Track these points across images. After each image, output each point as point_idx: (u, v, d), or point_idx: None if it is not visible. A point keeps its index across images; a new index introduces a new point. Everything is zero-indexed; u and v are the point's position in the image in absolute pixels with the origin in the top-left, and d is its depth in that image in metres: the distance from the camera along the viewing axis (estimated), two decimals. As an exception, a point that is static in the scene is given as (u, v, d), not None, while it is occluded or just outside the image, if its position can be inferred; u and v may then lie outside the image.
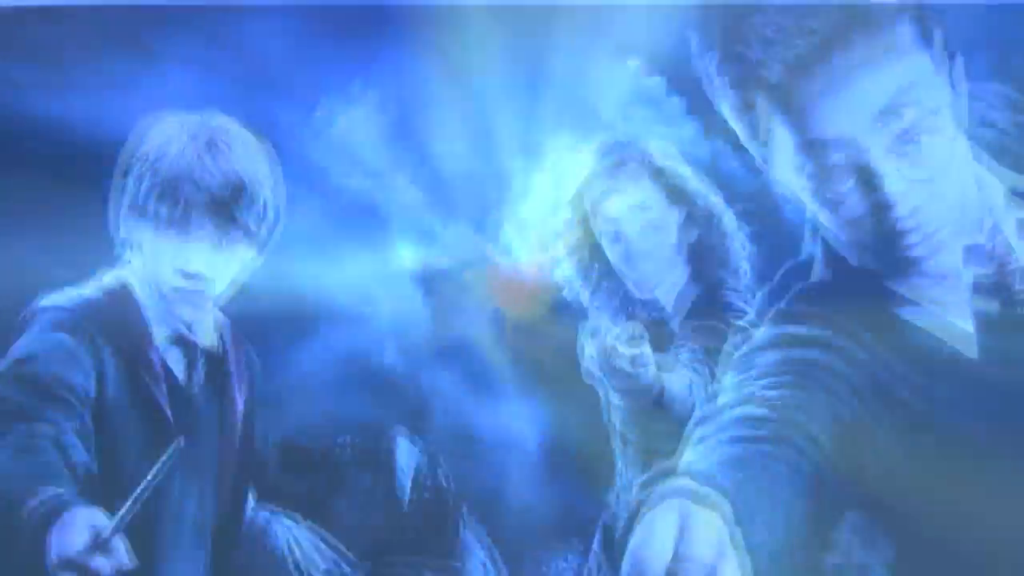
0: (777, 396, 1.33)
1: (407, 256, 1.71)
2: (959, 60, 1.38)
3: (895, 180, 1.34)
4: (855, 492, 1.32)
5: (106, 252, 1.65)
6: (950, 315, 1.39)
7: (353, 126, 1.71)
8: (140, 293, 1.64)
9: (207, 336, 1.67)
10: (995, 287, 1.39)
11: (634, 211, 1.75)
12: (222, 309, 1.68)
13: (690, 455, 1.29)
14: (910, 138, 1.34)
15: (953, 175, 1.38)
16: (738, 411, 1.33)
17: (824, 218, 1.40)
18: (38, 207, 1.67)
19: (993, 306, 1.39)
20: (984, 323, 1.38)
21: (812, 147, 1.36)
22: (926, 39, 1.36)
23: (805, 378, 1.35)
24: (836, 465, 1.29)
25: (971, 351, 1.38)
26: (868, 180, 1.34)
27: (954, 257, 1.38)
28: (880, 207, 1.35)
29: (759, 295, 1.52)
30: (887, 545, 1.37)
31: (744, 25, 1.34)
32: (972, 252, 1.39)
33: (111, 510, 1.38)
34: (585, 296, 1.78)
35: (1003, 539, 1.35)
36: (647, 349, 1.56)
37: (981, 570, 1.36)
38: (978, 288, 1.39)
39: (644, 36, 1.64)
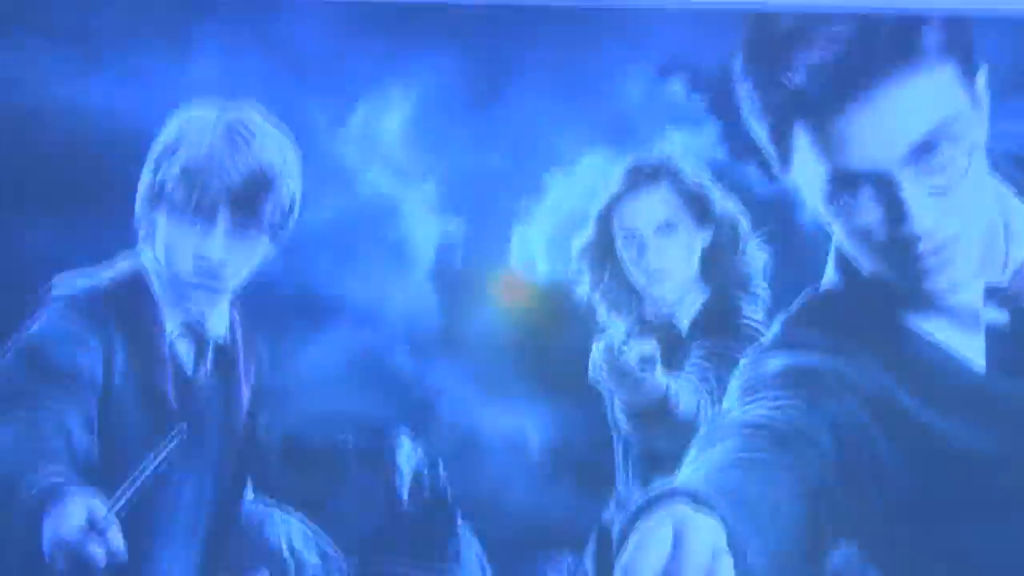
0: (782, 403, 1.33)
1: (424, 257, 1.71)
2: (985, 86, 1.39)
3: (923, 214, 1.34)
4: (858, 508, 1.32)
5: (129, 239, 1.64)
6: (960, 327, 1.40)
7: (382, 124, 1.71)
8: (154, 281, 1.63)
9: (218, 326, 1.66)
10: (1006, 299, 1.39)
11: (660, 230, 1.74)
12: (234, 299, 1.67)
13: (692, 460, 1.29)
14: (943, 174, 1.35)
15: (982, 212, 1.39)
16: (742, 417, 1.33)
17: (847, 241, 1.40)
18: (62, 193, 1.66)
19: (1003, 318, 1.40)
20: (994, 336, 1.39)
21: (844, 177, 1.36)
22: (967, 77, 1.37)
23: (811, 386, 1.35)
24: (840, 476, 1.29)
25: (980, 363, 1.39)
26: (896, 213, 1.35)
27: (972, 287, 1.39)
28: (906, 238, 1.35)
29: (776, 322, 1.52)
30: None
31: (787, 53, 1.34)
32: (993, 293, 1.40)
33: (112, 495, 1.37)
34: (602, 311, 1.77)
35: (1007, 551, 1.36)
36: (656, 354, 1.56)
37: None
38: (989, 300, 1.39)
39: (687, 56, 1.64)
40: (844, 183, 1.36)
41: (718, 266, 1.76)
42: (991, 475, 1.36)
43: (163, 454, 1.37)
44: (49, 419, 1.48)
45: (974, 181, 1.37)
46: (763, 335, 1.51)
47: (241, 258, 1.63)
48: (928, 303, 1.40)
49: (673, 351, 1.72)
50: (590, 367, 1.59)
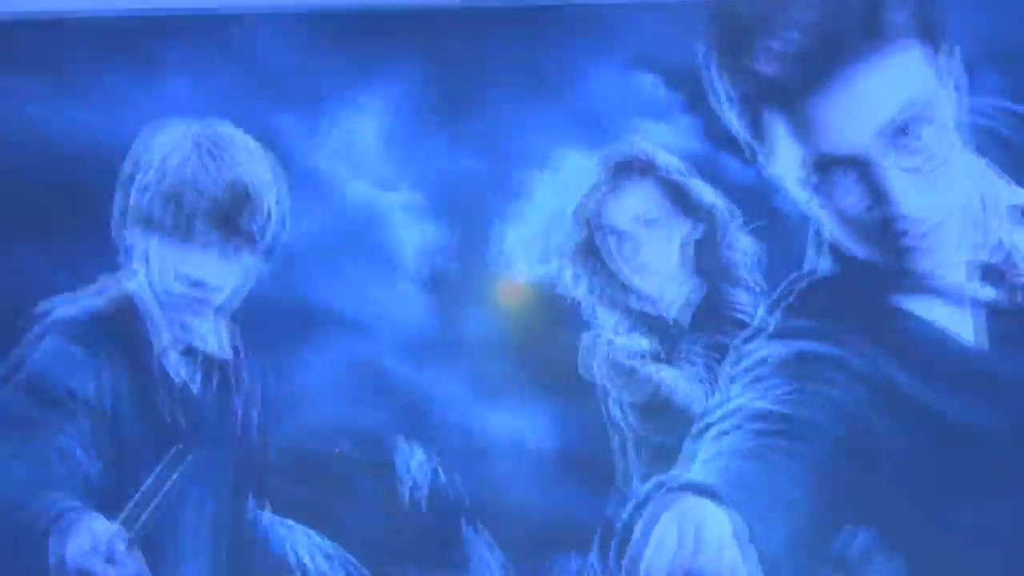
0: (783, 390, 1.33)
1: (411, 263, 1.71)
2: (957, 60, 1.39)
3: (902, 191, 1.34)
4: (863, 491, 1.32)
5: (108, 260, 1.64)
6: (949, 304, 1.40)
7: (358, 133, 1.70)
8: (144, 302, 1.63)
9: (212, 343, 1.67)
10: (991, 274, 1.39)
11: (640, 223, 1.74)
12: (226, 314, 1.67)
13: (695, 451, 1.29)
14: (918, 153, 1.34)
15: (961, 188, 1.38)
16: (743, 405, 1.33)
17: (830, 226, 1.40)
18: (40, 217, 1.66)
19: (993, 297, 1.39)
20: (982, 311, 1.38)
21: (818, 161, 1.36)
22: (935, 55, 1.36)
23: (810, 371, 1.35)
24: (842, 460, 1.29)
25: (970, 339, 1.39)
26: (875, 193, 1.34)
27: (957, 266, 1.38)
28: (887, 218, 1.35)
29: (761, 307, 1.52)
30: (896, 556, 1.37)
31: (754, 39, 1.34)
32: (976, 267, 1.39)
33: (116, 517, 1.38)
34: (590, 307, 1.77)
35: (1008, 535, 1.35)
36: (646, 347, 1.56)
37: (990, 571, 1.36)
38: (975, 276, 1.39)
39: (656, 49, 1.64)
40: (821, 167, 1.36)
41: (703, 256, 1.76)
42: (992, 449, 1.36)
43: (163, 476, 1.37)
44: (51, 445, 1.49)
45: (950, 157, 1.37)
46: (752, 322, 1.51)
47: (225, 272, 1.63)
48: (915, 282, 1.40)
49: (664, 343, 1.72)
50: (580, 361, 1.59)
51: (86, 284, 1.63)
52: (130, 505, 1.37)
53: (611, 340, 1.55)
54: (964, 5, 1.50)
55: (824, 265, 1.45)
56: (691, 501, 1.09)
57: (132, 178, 1.62)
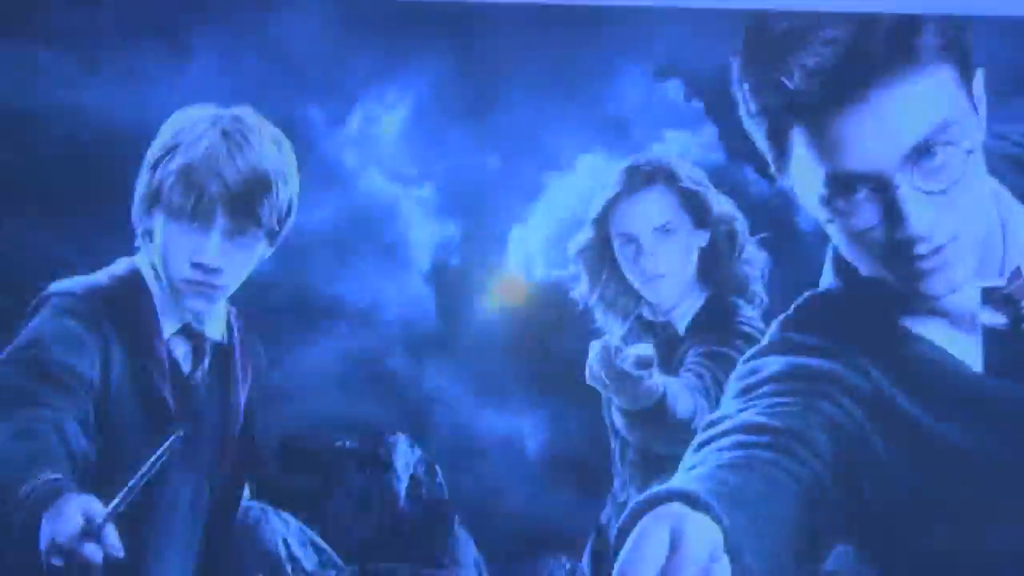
0: (779, 403, 1.33)
1: (421, 259, 1.71)
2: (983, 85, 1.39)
3: (921, 214, 1.34)
4: (854, 509, 1.32)
5: (126, 243, 1.64)
6: (957, 328, 1.40)
7: (380, 125, 1.71)
8: (151, 283, 1.63)
9: (215, 328, 1.67)
10: (1004, 301, 1.39)
11: (657, 232, 1.75)
12: (232, 301, 1.67)
13: (689, 461, 1.29)
14: (941, 176, 1.34)
15: (980, 214, 1.38)
16: (739, 417, 1.33)
17: (846, 244, 1.40)
18: (60, 196, 1.66)
19: (1001, 320, 1.40)
20: (991, 337, 1.39)
21: (840, 179, 1.36)
22: (965, 80, 1.37)
23: (808, 386, 1.35)
24: (836, 477, 1.29)
25: (977, 364, 1.39)
26: (894, 214, 1.34)
27: (971, 291, 1.39)
28: (904, 240, 1.35)
29: (774, 323, 1.52)
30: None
31: (785, 54, 1.34)
32: (991, 295, 1.40)
33: (109, 497, 1.37)
34: (599, 313, 1.77)
35: (1004, 553, 1.36)
36: (653, 356, 1.56)
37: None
38: (987, 302, 1.39)
39: (685, 58, 1.64)
40: (841, 185, 1.36)
41: (716, 268, 1.76)
42: (988, 476, 1.36)
43: (161, 458, 1.37)
44: (46, 421, 1.48)
45: (972, 183, 1.37)
46: (760, 337, 1.51)
47: (238, 260, 1.63)
48: (926, 305, 1.40)
49: (671, 353, 1.72)
50: (587, 369, 1.59)
51: (103, 265, 1.63)
52: (123, 491, 1.37)
53: (619, 348, 1.55)
54: (992, 31, 1.51)
55: (837, 283, 1.45)
56: (678, 510, 1.09)
57: (156, 163, 1.62)
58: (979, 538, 1.36)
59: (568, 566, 1.67)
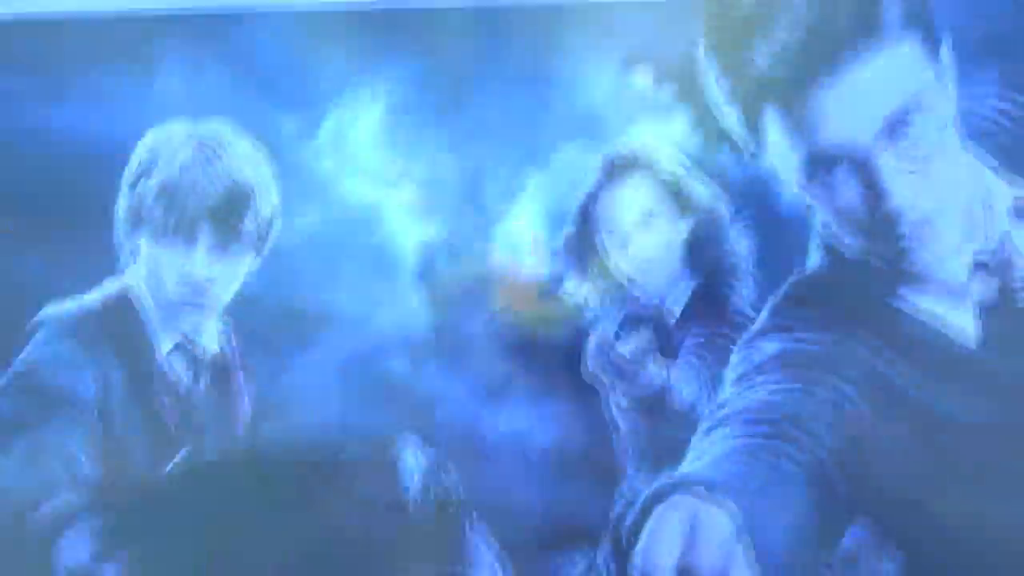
0: (777, 390, 1.33)
1: (409, 261, 1.71)
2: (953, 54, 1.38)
3: (900, 188, 1.34)
4: (861, 489, 1.32)
5: (110, 263, 1.64)
6: (946, 302, 1.39)
7: (355, 131, 1.70)
8: (143, 301, 1.63)
9: (211, 343, 1.67)
10: (990, 271, 1.39)
11: (641, 221, 1.74)
12: (225, 314, 1.67)
13: (695, 452, 1.29)
14: (918, 148, 1.34)
15: (959, 185, 1.38)
16: (739, 406, 1.33)
17: (828, 222, 1.40)
18: (40, 220, 1.66)
19: (992, 294, 1.39)
20: (983, 312, 1.38)
21: (816, 157, 1.36)
22: (933, 52, 1.36)
23: (806, 369, 1.35)
24: (840, 459, 1.29)
25: (969, 336, 1.38)
26: (873, 189, 1.34)
27: (957, 262, 1.38)
28: (885, 215, 1.34)
29: (765, 306, 1.51)
30: (896, 553, 1.37)
31: (751, 36, 1.33)
32: (977, 266, 1.39)
33: (117, 519, 1.38)
34: (591, 305, 1.76)
35: (1007, 535, 1.35)
36: (649, 344, 1.56)
37: (988, 568, 1.36)
38: (974, 273, 1.39)
39: (653, 46, 1.63)
40: (819, 164, 1.36)
41: (703, 254, 1.75)
42: (988, 448, 1.36)
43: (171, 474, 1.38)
44: (51, 447, 1.49)
45: (948, 155, 1.37)
46: (752, 322, 1.51)
47: (226, 275, 1.63)
48: (913, 279, 1.39)
49: (666, 340, 1.71)
50: (584, 361, 1.59)
51: (88, 288, 1.63)
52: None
53: (611, 339, 1.55)
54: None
55: (824, 264, 1.45)
56: (693, 498, 1.09)
57: (132, 179, 1.63)
58: (983, 511, 1.35)
59: (586, 561, 1.67)
